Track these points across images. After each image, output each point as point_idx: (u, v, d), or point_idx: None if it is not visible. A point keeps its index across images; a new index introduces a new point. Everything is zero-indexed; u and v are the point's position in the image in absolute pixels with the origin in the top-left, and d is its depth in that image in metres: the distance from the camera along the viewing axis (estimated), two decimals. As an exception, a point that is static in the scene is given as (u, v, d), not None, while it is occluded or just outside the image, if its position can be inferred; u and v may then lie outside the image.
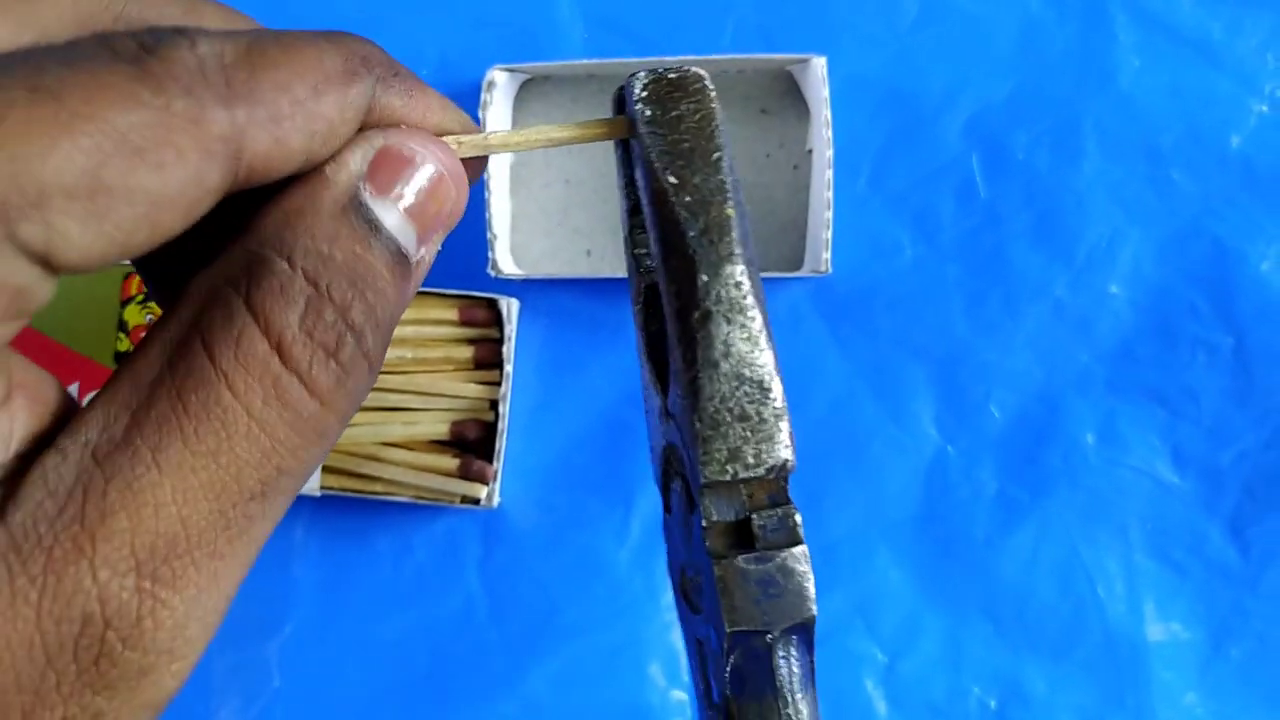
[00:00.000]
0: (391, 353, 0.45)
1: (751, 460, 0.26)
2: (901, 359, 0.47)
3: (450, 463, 0.45)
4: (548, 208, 0.48)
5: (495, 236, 0.45)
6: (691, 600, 0.29)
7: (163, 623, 0.18)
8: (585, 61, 0.45)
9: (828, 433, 0.47)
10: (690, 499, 0.28)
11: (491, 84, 0.45)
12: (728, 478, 0.26)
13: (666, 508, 0.32)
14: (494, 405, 0.46)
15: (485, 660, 0.47)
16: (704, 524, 0.26)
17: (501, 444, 0.45)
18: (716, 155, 0.27)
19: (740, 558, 0.26)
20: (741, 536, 0.27)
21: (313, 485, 0.44)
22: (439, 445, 0.46)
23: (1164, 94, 0.47)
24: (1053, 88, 0.47)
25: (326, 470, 0.44)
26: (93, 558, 0.18)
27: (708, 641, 0.28)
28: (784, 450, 0.26)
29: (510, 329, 0.45)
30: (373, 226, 0.21)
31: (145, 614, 0.18)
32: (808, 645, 0.27)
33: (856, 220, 0.47)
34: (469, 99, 0.47)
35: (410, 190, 0.22)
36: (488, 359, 0.46)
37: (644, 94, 0.27)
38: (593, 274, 0.46)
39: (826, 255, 0.44)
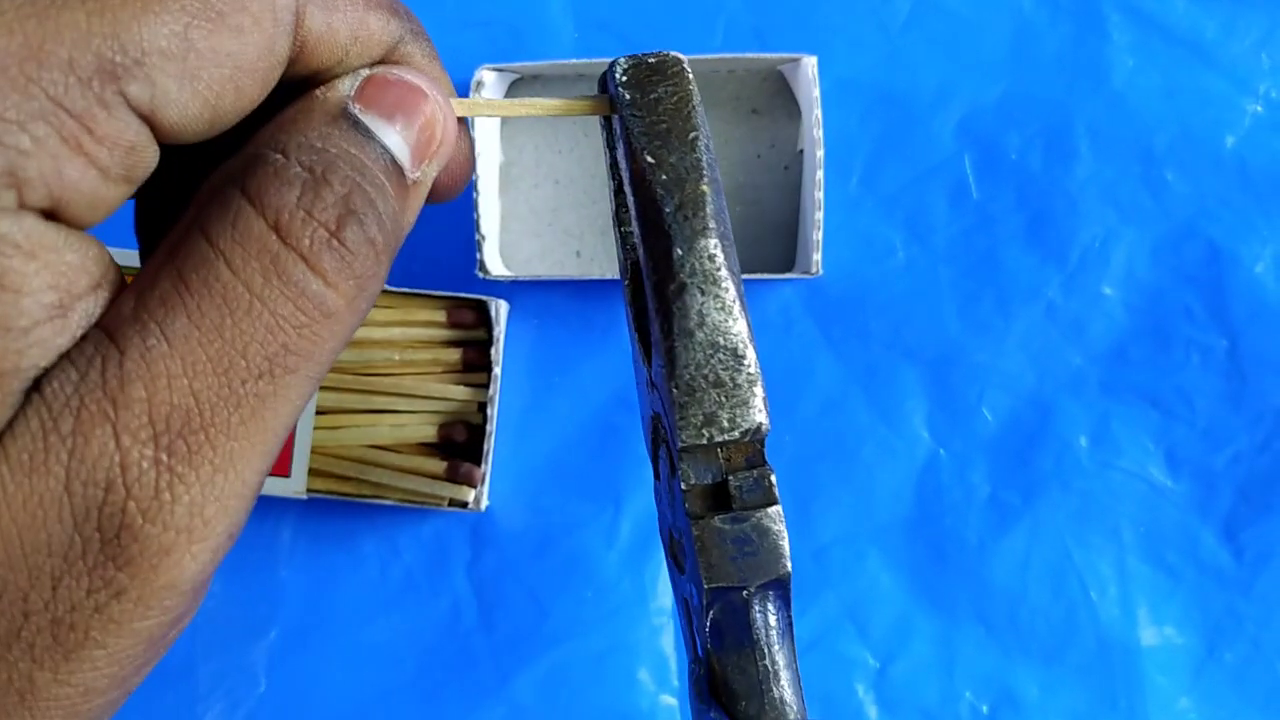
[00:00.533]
0: (378, 354, 0.45)
1: (727, 424, 0.27)
2: (893, 361, 0.47)
3: (438, 465, 0.45)
4: (537, 208, 0.48)
5: (484, 237, 0.45)
6: (678, 561, 0.30)
7: (179, 497, 0.19)
8: (575, 61, 0.45)
9: (819, 435, 0.47)
10: (673, 464, 0.28)
11: (480, 84, 0.44)
12: (704, 441, 0.27)
13: (656, 474, 0.32)
14: (482, 408, 0.45)
15: (473, 664, 0.47)
16: (683, 487, 0.27)
17: (490, 446, 0.45)
18: (692, 135, 0.28)
19: (717, 518, 0.27)
20: (719, 498, 0.28)
21: (299, 487, 0.43)
22: (426, 448, 0.46)
23: (1158, 94, 0.47)
24: (1045, 88, 0.47)
25: (313, 473, 0.44)
26: (115, 423, 0.18)
27: (691, 599, 0.29)
28: (758, 414, 0.27)
29: (499, 330, 0.45)
30: (365, 132, 0.22)
31: (164, 487, 0.19)
32: (784, 601, 0.28)
33: (848, 221, 0.47)
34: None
35: (401, 113, 0.23)
36: (476, 361, 0.45)
37: (624, 78, 0.28)
38: (583, 275, 0.45)
39: (817, 257, 0.43)
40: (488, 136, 0.46)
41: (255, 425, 0.20)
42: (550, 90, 0.47)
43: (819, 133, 0.43)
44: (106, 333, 0.19)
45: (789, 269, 0.46)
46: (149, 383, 0.19)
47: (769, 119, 0.47)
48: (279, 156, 0.21)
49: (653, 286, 0.27)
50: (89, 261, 0.19)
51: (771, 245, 0.47)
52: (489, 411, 0.45)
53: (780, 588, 0.28)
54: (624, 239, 0.33)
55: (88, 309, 0.19)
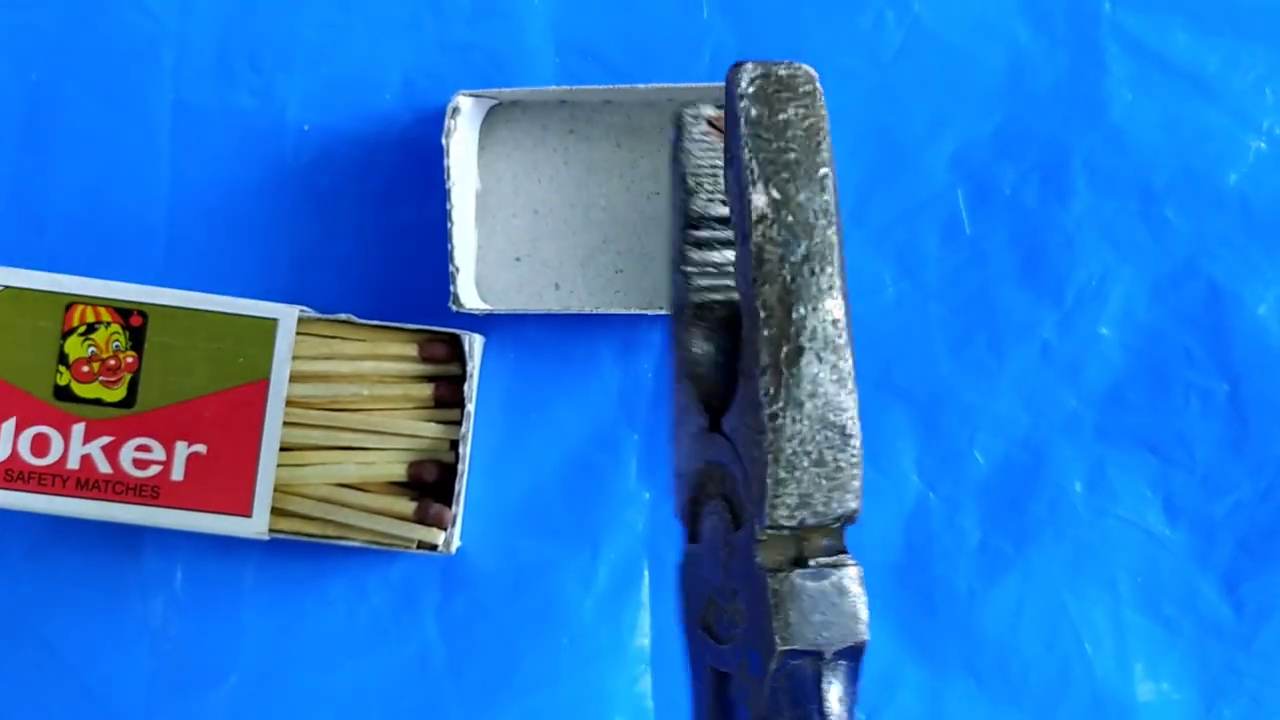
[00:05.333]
0: (347, 389, 0.43)
1: (821, 508, 0.25)
2: (882, 400, 0.46)
3: (407, 506, 0.43)
4: (515, 239, 0.46)
5: (458, 269, 0.43)
6: (715, 631, 0.28)
7: None
8: (556, 88, 0.44)
9: (804, 478, 0.45)
10: (734, 517, 0.27)
11: (456, 110, 0.43)
12: (794, 524, 0.25)
13: (693, 536, 0.30)
14: (454, 446, 0.44)
15: (442, 712, 0.45)
16: (760, 538, 0.25)
17: (462, 486, 0.43)
18: (823, 172, 0.25)
19: (796, 573, 0.25)
20: (795, 556, 0.26)
21: (260, 528, 0.42)
22: (396, 487, 0.44)
23: (1157, 129, 0.46)
24: (1041, 121, 0.46)
25: (276, 513, 0.42)
26: None
27: (742, 668, 0.26)
28: (854, 500, 0.25)
29: (473, 366, 0.43)
30: None
31: None
32: (855, 674, 0.26)
33: (836, 256, 0.46)
34: (433, 125, 0.45)
35: None
36: (448, 397, 0.44)
37: (750, 89, 0.25)
38: (562, 309, 0.44)
39: (804, 292, 0.42)
40: (464, 164, 0.44)
41: None
42: (530, 117, 0.46)
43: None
44: None
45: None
46: None
47: (756, 149, 0.46)
48: None
49: (765, 342, 0.25)
50: None
51: (757, 280, 0.46)
52: (461, 450, 0.43)
53: (854, 658, 0.26)
54: (686, 278, 0.30)
55: None
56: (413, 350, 0.44)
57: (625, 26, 0.47)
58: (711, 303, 0.31)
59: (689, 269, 0.30)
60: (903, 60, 0.46)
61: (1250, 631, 0.45)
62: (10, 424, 0.41)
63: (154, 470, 0.41)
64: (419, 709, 0.45)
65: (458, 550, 0.45)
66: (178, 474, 0.41)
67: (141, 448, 0.41)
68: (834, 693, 0.25)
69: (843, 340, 0.25)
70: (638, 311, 0.43)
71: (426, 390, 0.44)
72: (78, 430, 0.41)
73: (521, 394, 0.46)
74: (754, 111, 0.25)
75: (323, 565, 0.46)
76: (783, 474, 0.24)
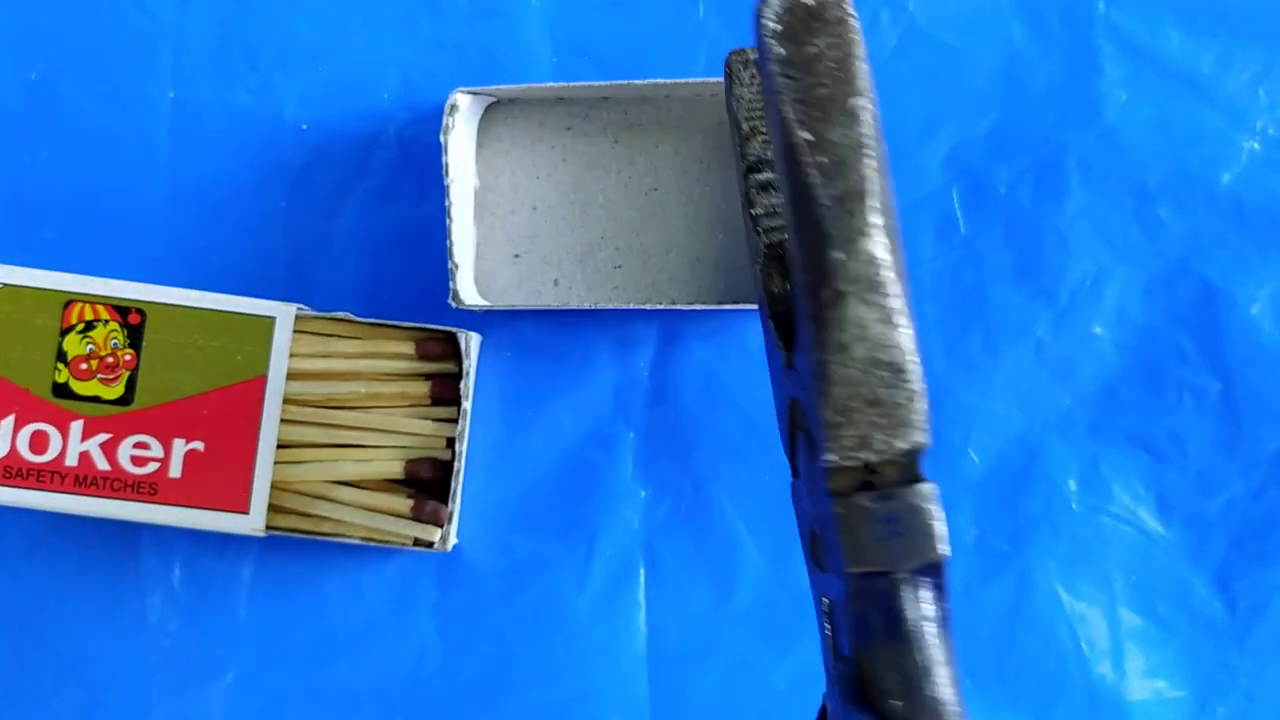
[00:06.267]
0: (343, 387, 0.43)
1: (883, 445, 0.24)
2: (877, 399, 0.46)
3: (403, 503, 0.43)
4: (514, 235, 0.46)
5: (457, 266, 0.43)
6: (819, 558, 0.28)
7: None
8: (554, 85, 0.44)
9: (799, 475, 0.45)
10: (813, 449, 0.26)
11: (454, 107, 0.43)
12: (856, 464, 0.24)
13: (794, 468, 0.30)
14: (451, 443, 0.44)
15: (438, 709, 0.45)
16: (828, 464, 0.25)
17: (458, 484, 0.43)
18: (858, 104, 0.24)
19: (864, 495, 0.24)
20: (866, 481, 0.25)
21: (257, 524, 0.42)
22: (393, 484, 0.44)
23: (1151, 129, 0.46)
24: (1036, 121, 0.46)
25: (273, 509, 0.42)
26: None
27: (835, 594, 0.26)
28: (918, 434, 0.24)
29: (469, 364, 0.43)
30: None
31: None
32: (939, 589, 0.25)
33: (832, 255, 0.46)
34: (430, 123, 0.45)
35: None
36: (445, 395, 0.44)
37: (775, 24, 0.24)
38: (560, 305, 0.44)
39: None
40: (462, 161, 0.44)
41: None
42: (527, 114, 0.46)
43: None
44: None
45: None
46: None
47: (752, 148, 0.46)
48: None
49: (805, 288, 0.24)
50: None
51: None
52: (458, 447, 0.43)
53: (935, 573, 0.25)
54: (755, 220, 0.29)
55: None
56: (409, 348, 0.44)
57: (621, 26, 0.47)
58: (782, 242, 0.31)
59: (757, 212, 0.30)
60: (898, 60, 0.46)
61: (1243, 629, 0.45)
62: (9, 421, 0.41)
63: (152, 467, 0.41)
64: (415, 706, 0.45)
65: (454, 547, 0.45)
66: (175, 471, 0.41)
67: (139, 445, 0.41)
68: (915, 610, 0.25)
69: (888, 277, 0.24)
70: (636, 307, 0.43)
71: (423, 388, 0.44)
72: (76, 427, 0.41)
73: (518, 392, 0.46)
74: (781, 49, 0.24)
75: (320, 562, 0.46)
76: (838, 418, 0.24)
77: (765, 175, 0.31)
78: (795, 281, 0.25)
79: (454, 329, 0.44)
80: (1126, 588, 0.45)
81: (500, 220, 0.46)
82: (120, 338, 0.42)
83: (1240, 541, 0.45)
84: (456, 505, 0.44)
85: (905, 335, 0.24)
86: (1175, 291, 0.45)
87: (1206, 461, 0.45)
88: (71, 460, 0.41)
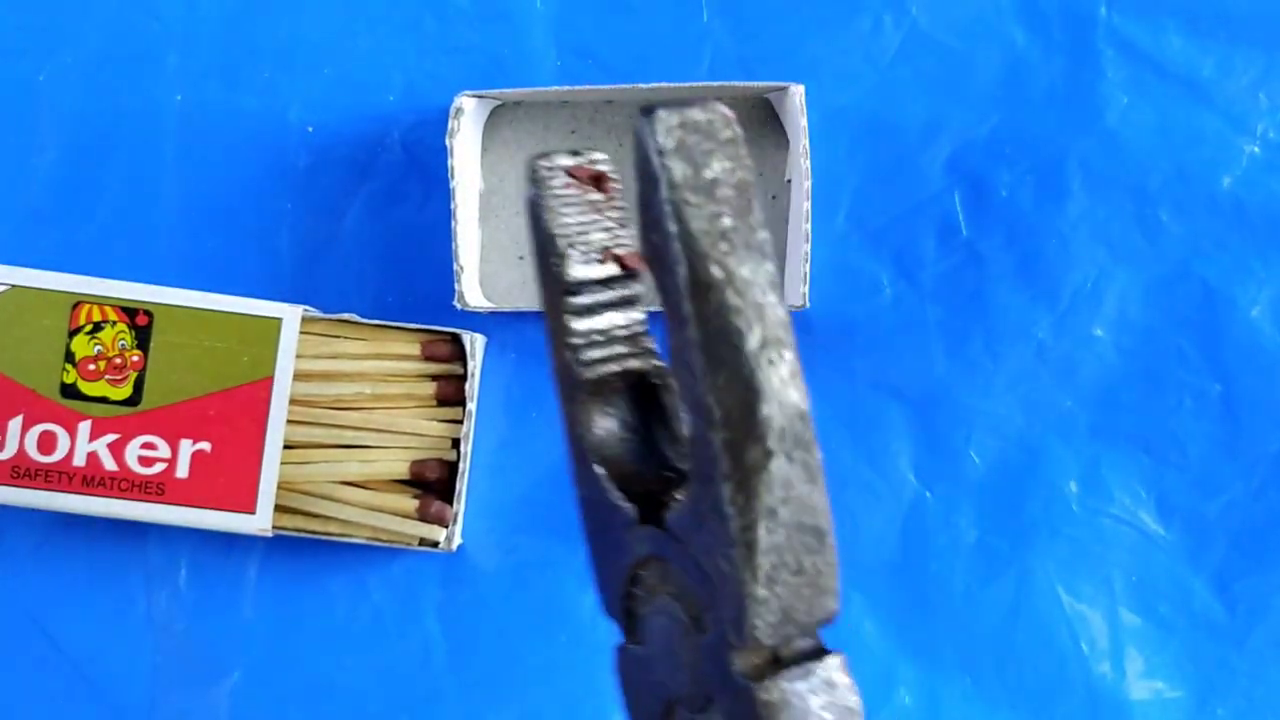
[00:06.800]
0: (349, 388, 0.44)
1: (803, 618, 0.23)
2: (878, 401, 0.46)
3: (409, 504, 0.43)
4: (518, 237, 0.47)
5: (462, 268, 0.44)
6: None
7: None
8: (558, 88, 0.44)
9: (802, 477, 0.46)
10: (693, 620, 0.24)
11: (459, 110, 0.43)
12: (776, 643, 0.23)
13: (633, 636, 0.28)
14: (456, 444, 0.44)
15: (442, 708, 0.45)
16: (744, 645, 0.23)
17: (463, 484, 0.44)
18: (762, 237, 0.22)
19: (782, 676, 0.22)
20: (772, 657, 0.23)
21: (264, 524, 0.42)
22: (398, 485, 0.44)
23: (1152, 132, 0.46)
24: (1037, 124, 0.46)
25: (279, 509, 0.43)
26: None
27: None
28: (833, 602, 0.23)
29: (474, 365, 0.44)
30: None
31: None
32: None
33: (834, 256, 0.46)
34: (435, 126, 0.45)
35: None
36: (450, 396, 0.44)
37: (669, 143, 0.21)
38: (562, 308, 0.44)
39: (804, 290, 0.42)
40: (467, 164, 0.45)
41: None
42: (532, 118, 0.46)
43: (806, 163, 0.42)
44: None
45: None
46: None
47: (756, 149, 0.46)
48: None
49: (724, 446, 0.21)
50: None
51: (756, 281, 0.46)
52: (463, 448, 0.44)
53: None
54: (574, 347, 0.26)
55: None
56: (415, 349, 0.44)
57: (625, 30, 0.47)
58: (607, 375, 0.27)
59: (575, 341, 0.27)
60: (900, 63, 0.46)
61: (1243, 630, 0.45)
62: (17, 421, 0.42)
63: (159, 468, 0.42)
64: (420, 705, 0.45)
65: (459, 547, 0.45)
66: (182, 471, 0.42)
67: (147, 445, 0.42)
68: None
69: (811, 434, 0.22)
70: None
71: (429, 389, 0.44)
72: (84, 428, 0.42)
73: (522, 393, 0.46)
74: (678, 172, 0.21)
75: (325, 562, 0.46)
76: (762, 592, 0.22)
77: (585, 299, 0.27)
78: (698, 437, 0.22)
79: (459, 330, 0.44)
80: (1127, 589, 0.45)
81: (505, 223, 0.47)
82: (128, 339, 0.42)
83: (1240, 543, 0.45)
84: (461, 505, 0.44)
85: (825, 496, 0.23)
86: (1176, 294, 0.46)
87: (1207, 463, 0.45)
88: (79, 460, 0.42)
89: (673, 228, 0.21)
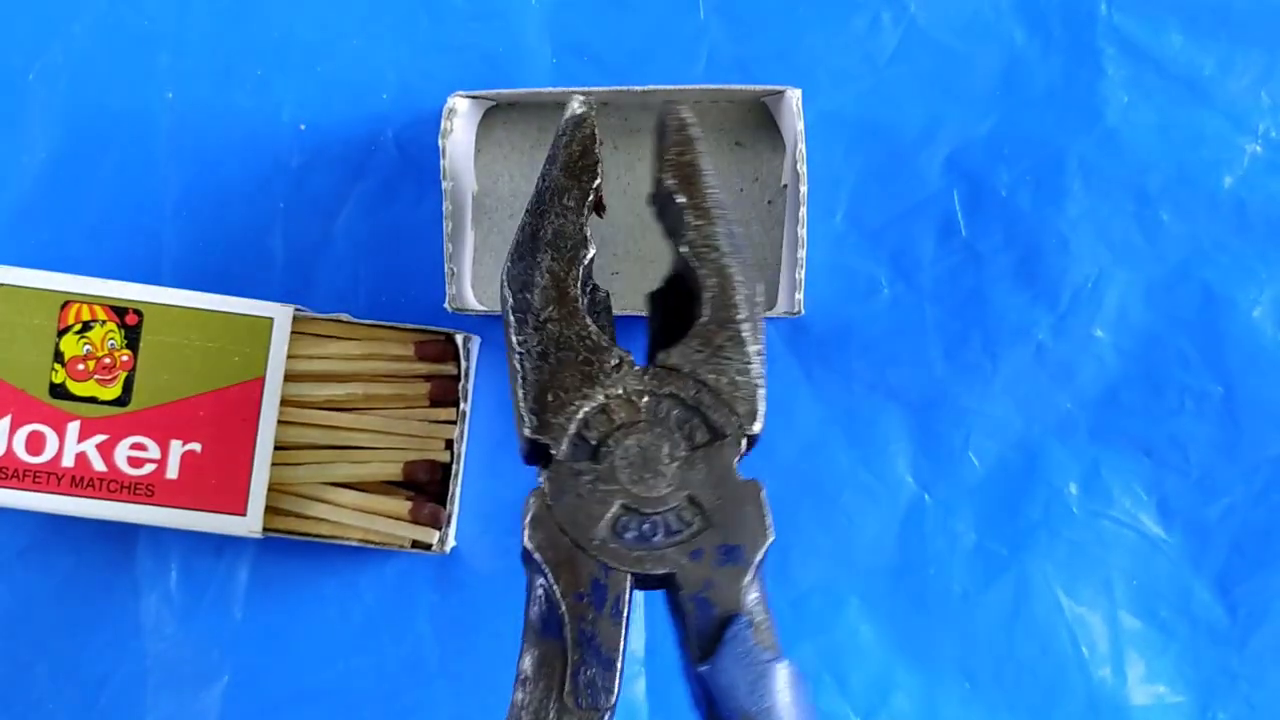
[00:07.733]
0: (341, 389, 0.43)
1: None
2: (876, 403, 0.46)
3: (401, 505, 0.43)
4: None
5: (454, 270, 0.43)
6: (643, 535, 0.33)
7: None
8: (553, 89, 0.44)
9: (798, 478, 0.45)
10: (687, 435, 0.34)
11: (453, 111, 0.43)
12: (763, 427, 0.35)
13: (583, 460, 0.34)
14: (449, 445, 0.44)
15: (435, 712, 0.45)
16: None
17: (456, 486, 0.43)
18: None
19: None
20: None
21: (254, 526, 0.42)
22: (390, 486, 0.44)
23: (1153, 132, 0.46)
24: (1036, 123, 0.46)
25: (270, 511, 0.42)
26: None
27: (708, 560, 0.33)
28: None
29: (468, 365, 0.43)
30: None
31: None
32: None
33: (831, 258, 0.46)
34: (428, 125, 0.45)
35: None
36: (443, 397, 0.44)
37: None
38: (557, 309, 0.44)
39: (800, 295, 0.42)
40: (461, 165, 0.44)
41: None
42: (527, 118, 0.46)
43: (803, 167, 0.42)
44: None
45: (770, 307, 0.45)
46: None
47: (752, 152, 0.46)
48: None
49: (744, 299, 0.35)
50: None
51: (752, 281, 0.45)
52: (456, 449, 0.43)
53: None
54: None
55: None
56: (408, 350, 0.44)
57: (621, 28, 0.47)
58: None
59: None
60: (898, 62, 0.46)
61: (1244, 634, 0.44)
62: (5, 422, 0.41)
63: (149, 469, 0.41)
64: (412, 708, 0.45)
65: (452, 550, 0.44)
66: (172, 472, 0.41)
67: (136, 446, 0.41)
68: None
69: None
70: (633, 313, 0.43)
71: (422, 390, 0.44)
72: (73, 428, 0.41)
73: (517, 394, 0.46)
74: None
75: (317, 564, 0.45)
76: (764, 390, 0.35)
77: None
78: (723, 292, 0.35)
79: (453, 330, 0.44)
80: (1127, 592, 0.45)
81: (498, 224, 0.46)
82: (117, 338, 0.42)
83: (1241, 546, 0.45)
84: (455, 507, 0.43)
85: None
86: (1176, 295, 0.45)
87: (1208, 466, 0.45)
88: (68, 461, 0.41)
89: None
